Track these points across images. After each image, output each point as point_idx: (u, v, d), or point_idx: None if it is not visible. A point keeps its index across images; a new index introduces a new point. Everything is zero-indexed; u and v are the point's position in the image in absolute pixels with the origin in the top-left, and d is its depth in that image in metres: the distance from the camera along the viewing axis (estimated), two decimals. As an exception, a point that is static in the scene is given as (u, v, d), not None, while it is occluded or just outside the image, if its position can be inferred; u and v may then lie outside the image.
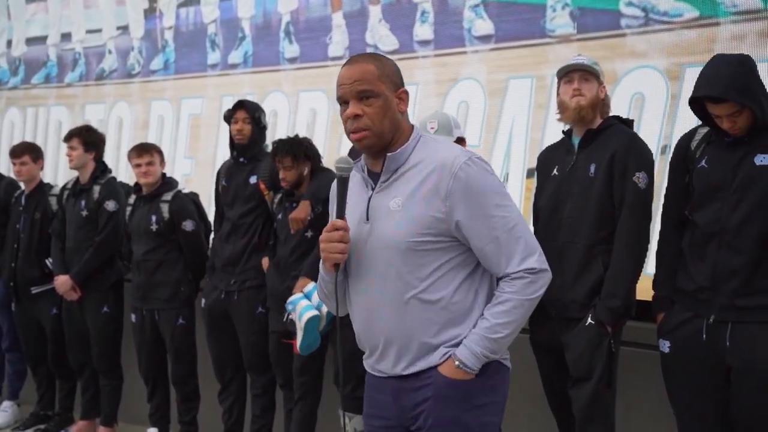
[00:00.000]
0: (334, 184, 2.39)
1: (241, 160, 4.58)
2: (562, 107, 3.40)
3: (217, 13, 5.94)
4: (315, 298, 3.94)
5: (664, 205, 3.25)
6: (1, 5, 7.40)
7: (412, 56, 4.84)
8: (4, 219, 5.59)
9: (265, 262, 4.45)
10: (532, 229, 3.14)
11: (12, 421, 5.76)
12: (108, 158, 5.49)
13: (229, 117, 4.57)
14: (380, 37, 5.02)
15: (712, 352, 2.97)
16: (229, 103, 4.83)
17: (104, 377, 5.25)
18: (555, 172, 3.44)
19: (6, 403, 5.85)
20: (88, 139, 5.13)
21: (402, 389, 2.38)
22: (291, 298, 4.02)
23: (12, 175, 5.69)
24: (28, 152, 5.43)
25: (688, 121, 3.54)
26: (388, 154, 2.34)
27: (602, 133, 3.35)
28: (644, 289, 3.33)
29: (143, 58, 6.39)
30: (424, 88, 4.78)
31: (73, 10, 6.89)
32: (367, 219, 2.36)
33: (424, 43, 4.88)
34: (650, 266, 3.42)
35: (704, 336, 2.99)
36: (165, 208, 4.75)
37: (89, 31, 6.77)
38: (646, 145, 3.36)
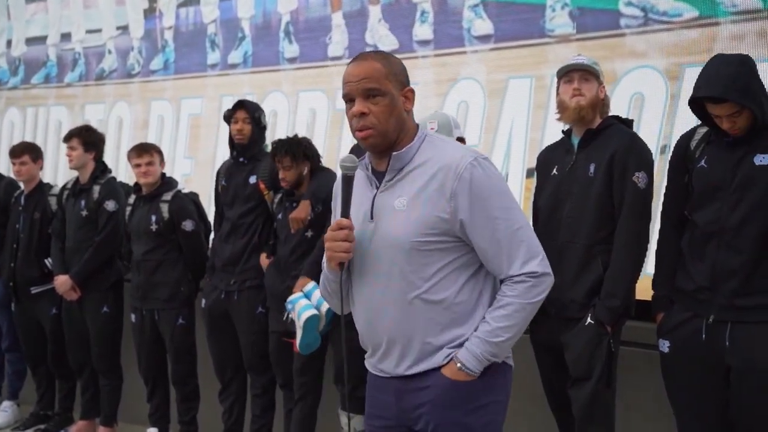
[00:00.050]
0: (338, 183, 2.39)
1: (241, 160, 4.58)
2: (561, 107, 3.40)
3: (216, 13, 5.94)
4: (315, 297, 3.95)
5: (664, 205, 3.25)
6: (1, 5, 7.40)
7: (412, 56, 4.84)
8: (3, 219, 5.59)
9: (263, 258, 4.45)
10: (531, 228, 3.14)
11: (12, 421, 5.76)
12: (108, 158, 5.49)
13: (229, 117, 4.57)
14: (380, 37, 5.03)
15: (711, 351, 2.97)
16: (228, 103, 4.83)
17: (104, 377, 5.25)
18: (554, 171, 3.44)
19: (6, 403, 5.85)
20: (88, 139, 5.13)
21: (404, 390, 2.38)
22: (291, 297, 4.03)
23: (12, 175, 5.69)
24: (27, 152, 5.43)
25: (687, 120, 3.54)
26: (394, 153, 2.33)
27: (602, 133, 3.35)
28: (644, 289, 3.33)
29: (143, 58, 6.39)
30: (424, 88, 4.77)
31: (73, 10, 6.88)
32: (372, 218, 2.36)
33: (424, 43, 4.88)
34: (650, 266, 3.42)
35: (704, 336, 2.98)
36: (165, 208, 4.75)
37: (89, 31, 6.77)
38: (646, 145, 3.36)
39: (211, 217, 4.92)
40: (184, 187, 5.06)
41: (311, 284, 4.00)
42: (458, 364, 2.30)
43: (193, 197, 4.96)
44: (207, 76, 6.00)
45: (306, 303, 3.95)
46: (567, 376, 3.37)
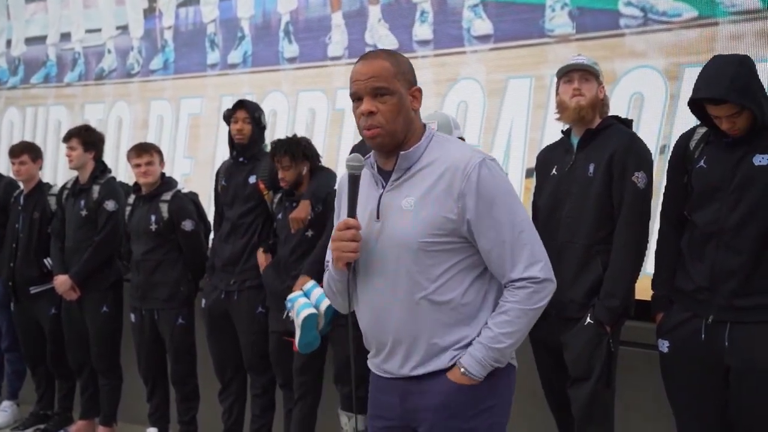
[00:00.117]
0: (343, 182, 2.38)
1: (241, 159, 4.58)
2: (561, 107, 3.40)
3: (216, 12, 5.94)
4: (314, 296, 3.95)
5: (663, 205, 3.25)
6: (1, 5, 7.40)
7: (412, 56, 4.80)
8: (3, 219, 5.59)
9: (260, 254, 4.45)
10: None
11: (11, 421, 5.76)
12: (107, 158, 5.49)
13: (228, 117, 4.57)
14: (379, 36, 5.02)
15: (711, 352, 2.97)
16: (228, 103, 4.83)
17: (103, 377, 5.25)
18: (554, 171, 3.44)
19: (5, 403, 5.85)
20: (88, 139, 5.13)
21: (409, 391, 2.38)
22: (290, 296, 4.03)
23: (11, 175, 5.69)
24: (27, 152, 5.43)
25: (687, 121, 3.53)
26: (401, 153, 2.32)
27: (601, 133, 3.35)
28: (643, 289, 3.33)
29: (143, 57, 6.39)
30: (423, 88, 4.69)
31: (73, 9, 6.88)
32: (378, 217, 2.34)
33: (424, 42, 4.88)
34: (649, 266, 3.42)
35: (703, 336, 2.99)
36: (164, 208, 4.75)
37: (88, 31, 6.77)
38: (645, 145, 3.36)
39: (210, 217, 4.92)
40: (184, 186, 5.06)
41: (311, 283, 3.99)
42: (462, 369, 2.30)
43: (192, 197, 4.96)
44: (207, 76, 6.00)
45: (305, 301, 3.95)
46: (567, 376, 3.37)
